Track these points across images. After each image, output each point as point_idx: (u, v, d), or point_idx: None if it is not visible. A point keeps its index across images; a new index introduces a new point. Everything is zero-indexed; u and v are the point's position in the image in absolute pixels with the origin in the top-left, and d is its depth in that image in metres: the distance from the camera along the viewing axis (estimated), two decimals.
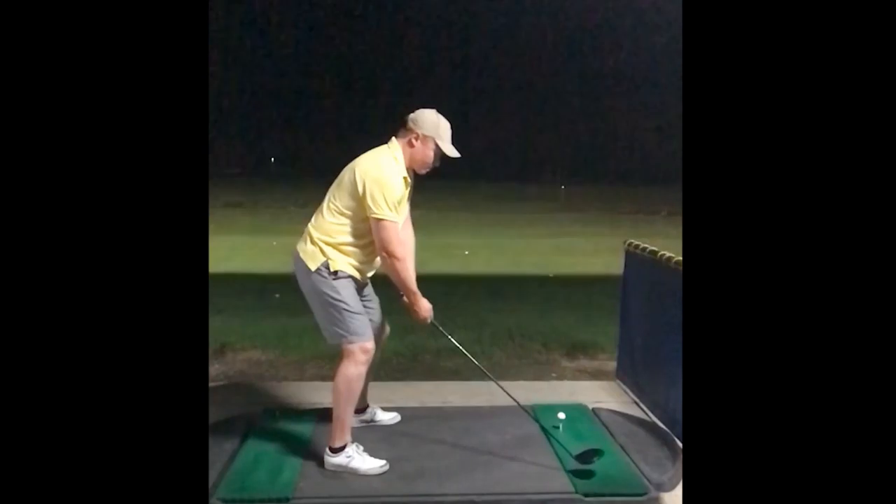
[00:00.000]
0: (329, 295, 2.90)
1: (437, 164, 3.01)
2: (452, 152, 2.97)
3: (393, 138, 2.98)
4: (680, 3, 1.66)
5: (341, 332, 2.91)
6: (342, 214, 2.92)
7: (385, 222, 2.82)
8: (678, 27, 1.73)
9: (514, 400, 3.05)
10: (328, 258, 2.89)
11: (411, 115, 2.98)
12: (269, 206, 19.15)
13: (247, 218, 16.71)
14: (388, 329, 3.31)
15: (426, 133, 2.93)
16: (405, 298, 2.98)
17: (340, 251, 2.92)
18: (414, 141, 2.93)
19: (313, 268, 2.90)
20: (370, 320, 3.05)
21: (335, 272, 2.89)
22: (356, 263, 2.95)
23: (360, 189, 2.83)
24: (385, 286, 3.05)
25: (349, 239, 2.92)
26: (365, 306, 3.07)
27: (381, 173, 2.85)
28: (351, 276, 2.94)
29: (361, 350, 2.91)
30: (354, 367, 2.91)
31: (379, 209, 2.81)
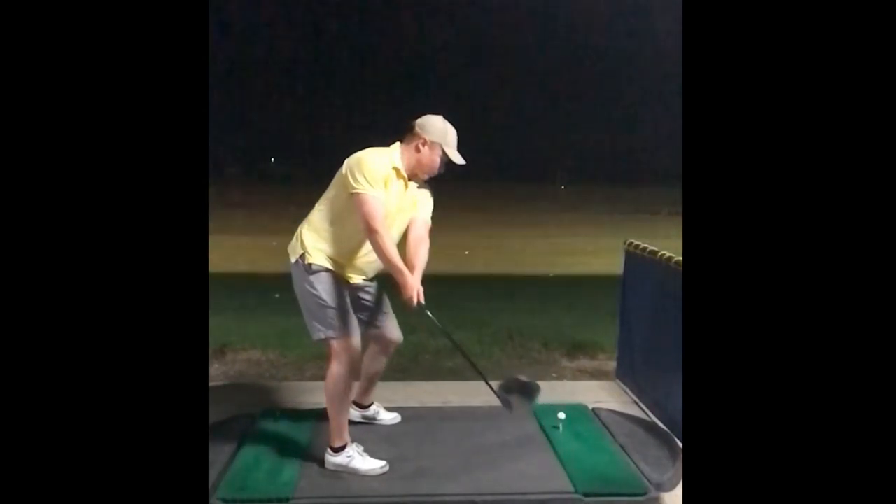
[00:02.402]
0: (307, 289, 2.89)
1: (442, 171, 2.99)
2: (459, 159, 2.96)
3: (396, 143, 2.97)
4: (681, 3, 1.65)
5: (319, 327, 2.90)
6: (326, 199, 2.95)
7: (363, 195, 2.78)
8: (679, 27, 1.72)
9: (493, 390, 2.96)
10: (305, 251, 2.89)
11: (418, 121, 2.95)
12: (269, 206, 19.13)
13: (247, 218, 16.69)
14: (399, 336, 3.26)
15: (433, 139, 2.91)
16: (405, 298, 2.94)
17: (320, 236, 2.91)
18: (420, 146, 2.91)
19: (292, 259, 2.92)
20: (360, 319, 3.03)
21: (309, 265, 2.88)
22: (335, 255, 2.92)
23: (343, 171, 2.85)
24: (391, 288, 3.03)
25: (327, 226, 2.91)
26: (360, 306, 3.06)
27: (362, 153, 2.86)
28: (328, 270, 2.90)
29: (343, 348, 2.89)
30: (339, 366, 2.89)
31: (357, 184, 2.78)
